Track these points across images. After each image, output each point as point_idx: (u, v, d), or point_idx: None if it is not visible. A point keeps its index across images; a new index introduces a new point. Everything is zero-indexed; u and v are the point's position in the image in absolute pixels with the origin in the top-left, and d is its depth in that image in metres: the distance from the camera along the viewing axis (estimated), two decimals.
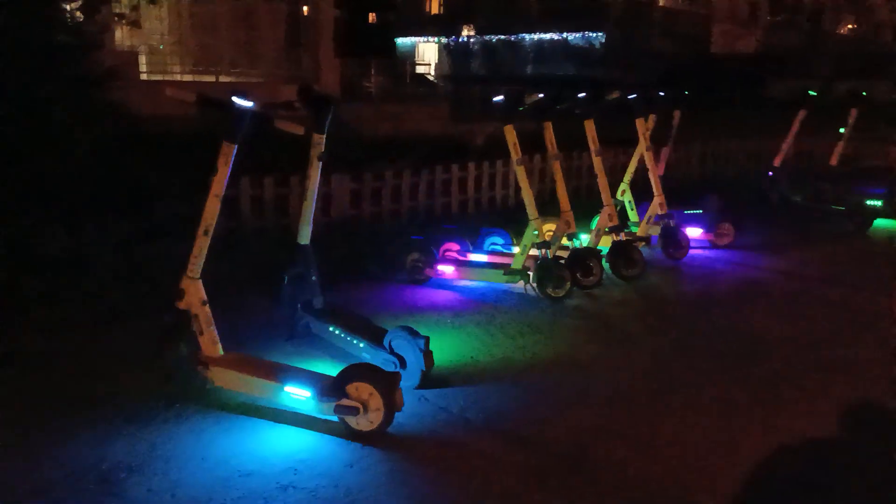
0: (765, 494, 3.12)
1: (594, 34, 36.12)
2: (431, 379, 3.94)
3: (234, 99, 3.37)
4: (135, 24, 8.90)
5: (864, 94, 9.61)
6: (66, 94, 5.29)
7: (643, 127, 6.59)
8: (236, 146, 3.47)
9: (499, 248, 6.38)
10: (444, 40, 42.89)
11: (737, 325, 5.11)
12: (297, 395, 3.46)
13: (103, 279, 4.62)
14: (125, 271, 4.73)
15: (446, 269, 5.78)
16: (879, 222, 8.49)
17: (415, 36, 44.35)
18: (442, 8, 44.50)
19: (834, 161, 9.24)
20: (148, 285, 4.65)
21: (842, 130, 9.05)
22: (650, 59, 32.53)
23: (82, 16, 6.64)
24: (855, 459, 3.41)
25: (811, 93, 9.11)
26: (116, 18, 9.00)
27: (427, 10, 45.21)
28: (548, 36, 38.15)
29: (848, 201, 8.84)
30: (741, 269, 6.56)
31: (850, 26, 53.27)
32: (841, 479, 3.23)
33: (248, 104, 3.39)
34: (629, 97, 6.44)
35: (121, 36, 14.16)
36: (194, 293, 3.58)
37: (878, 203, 8.83)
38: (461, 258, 6.02)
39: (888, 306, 5.62)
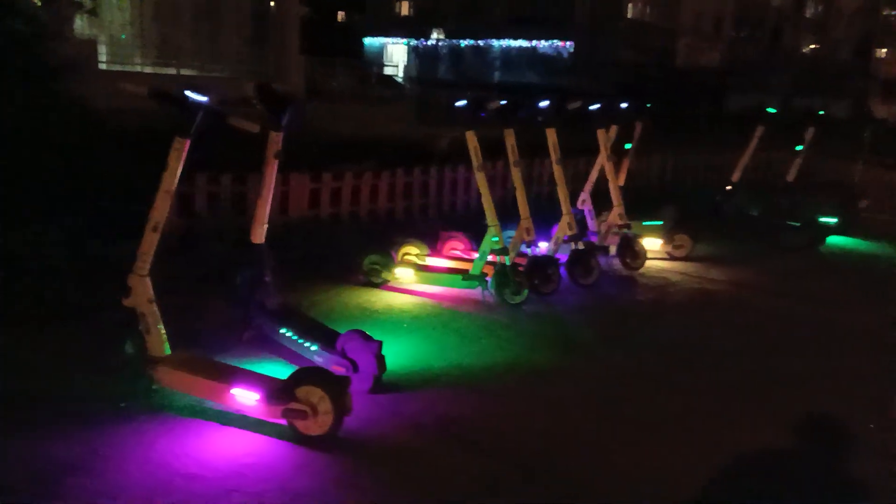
0: (710, 502, 3.16)
1: (562, 43, 36.46)
2: (384, 383, 3.90)
3: (188, 93, 3.30)
4: (92, 12, 8.66)
5: (821, 112, 9.84)
6: (19, 85, 5.13)
7: (604, 137, 6.64)
8: (189, 141, 3.39)
9: (458, 252, 6.38)
10: (412, 42, 42.86)
11: (688, 336, 5.17)
12: (246, 398, 3.40)
13: (50, 275, 4.47)
14: (74, 268, 4.58)
15: (405, 273, 5.75)
16: (832, 239, 8.69)
17: (384, 37, 44.24)
18: (412, 10, 44.47)
19: (791, 177, 9.44)
20: (96, 282, 4.52)
21: (799, 147, 9.24)
22: (615, 69, 32.92)
23: (39, 2, 6.45)
24: (801, 469, 3.47)
25: (770, 110, 9.30)
26: (73, 6, 8.75)
27: (397, 11, 45.14)
28: (516, 43, 38.38)
29: (803, 217, 9.05)
30: (696, 281, 6.66)
31: (811, 46, 54.68)
32: (787, 488, 3.29)
33: (202, 99, 3.32)
34: (590, 107, 6.49)
35: (80, 25, 13.82)
36: (142, 291, 3.49)
37: (832, 220, 9.06)
38: (420, 262, 5.99)
39: (836, 320, 5.75)
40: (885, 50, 60.23)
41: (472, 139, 5.45)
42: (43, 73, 5.57)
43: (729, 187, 9.10)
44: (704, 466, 3.38)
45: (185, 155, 3.41)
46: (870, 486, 3.35)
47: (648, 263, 6.82)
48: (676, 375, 4.42)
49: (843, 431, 3.91)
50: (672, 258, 7.30)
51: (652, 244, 7.18)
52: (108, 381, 3.58)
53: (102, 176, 5.44)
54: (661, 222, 7.56)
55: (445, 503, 2.98)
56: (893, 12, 60.44)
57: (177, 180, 3.45)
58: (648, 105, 7.64)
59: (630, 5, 38.91)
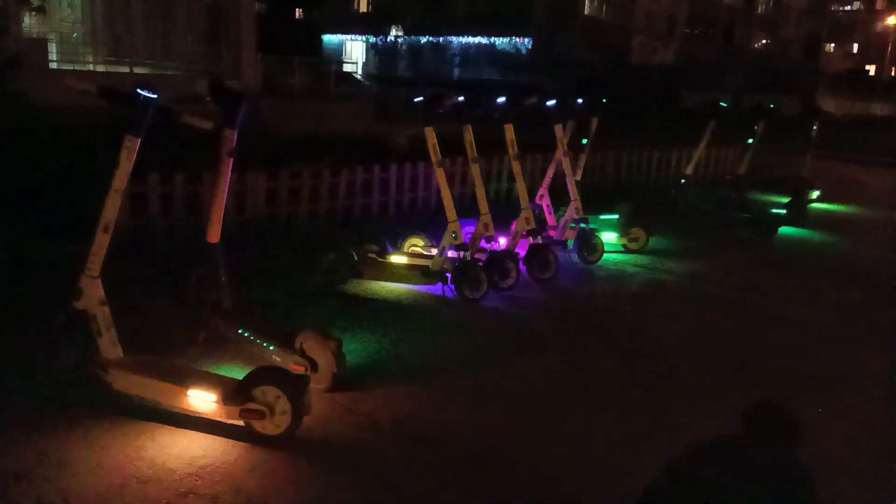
0: (661, 493, 3.22)
1: (520, 40, 36.67)
2: (343, 381, 3.88)
3: (137, 90, 3.24)
4: (40, 10, 8.45)
5: (771, 106, 10.08)
6: None
7: (561, 133, 6.71)
8: (140, 140, 3.33)
9: (419, 249, 6.38)
10: (371, 39, 42.67)
11: (643, 328, 5.26)
12: (202, 399, 3.36)
13: None
14: (18, 270, 4.46)
15: (364, 271, 5.73)
16: (783, 230, 8.92)
17: (342, 34, 43.96)
18: (370, 7, 44.27)
19: (742, 170, 9.66)
20: (42, 285, 4.41)
21: (750, 141, 9.46)
22: (572, 66, 33.25)
23: None
24: (743, 456, 3.55)
25: (722, 104, 9.49)
26: (20, 4, 8.52)
27: (356, 8, 44.89)
28: (475, 40, 38.48)
29: (753, 210, 9.26)
30: (650, 273, 6.77)
31: (762, 42, 55.91)
32: (727, 474, 3.37)
33: (152, 95, 3.26)
34: (547, 103, 6.54)
35: (29, 23, 13.46)
36: (93, 292, 3.41)
37: (782, 212, 9.30)
38: (380, 259, 5.98)
39: (787, 311, 5.90)
40: (832, 45, 61.97)
41: (430, 136, 5.46)
42: None
43: (682, 181, 9.28)
44: (652, 455, 3.45)
45: (135, 153, 3.35)
46: (819, 474, 3.44)
47: (605, 257, 6.91)
48: (631, 369, 4.50)
49: (792, 419, 4.01)
50: (628, 251, 7.41)
51: (608, 238, 7.28)
52: (56, 386, 3.50)
53: (49, 175, 5.31)
54: (616, 216, 7.66)
55: (403, 499, 2.98)
56: (841, 8, 62.21)
57: (128, 179, 3.38)
58: (604, 101, 7.73)
59: (587, 3, 39.30)
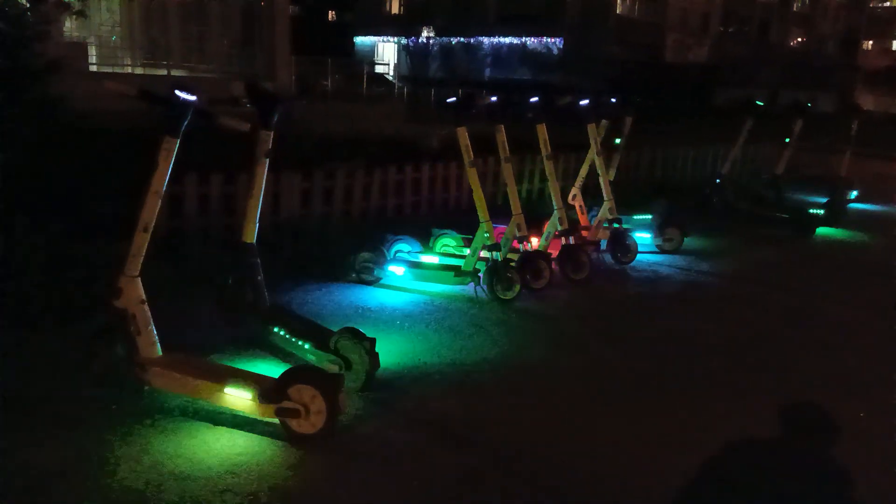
0: (696, 494, 3.17)
1: (552, 39, 36.50)
2: (377, 381, 3.90)
3: (176, 92, 3.29)
4: (81, 14, 8.61)
5: (808, 104, 9.89)
6: (2, 87, 5.09)
7: (594, 132, 6.66)
8: (178, 141, 3.38)
9: (451, 249, 6.38)
10: (403, 41, 42.81)
11: (679, 330, 5.19)
12: (238, 397, 3.40)
13: (35, 278, 4.44)
14: (58, 270, 4.56)
15: (397, 271, 5.75)
16: (821, 230, 8.75)
17: (374, 36, 44.20)
18: (402, 8, 44.43)
19: (779, 169, 9.49)
20: (81, 285, 4.50)
21: (787, 140, 9.29)
22: (605, 65, 32.99)
23: (27, 3, 6.41)
24: (785, 460, 3.49)
25: (758, 102, 9.34)
26: (62, 8, 8.70)
27: (387, 10, 45.10)
28: (506, 40, 38.40)
29: (791, 209, 9.10)
30: (685, 274, 6.68)
31: (798, 39, 54.93)
32: (764, 475, 3.31)
33: (190, 98, 3.31)
34: (580, 103, 6.50)
35: (69, 26, 13.77)
36: (132, 292, 3.47)
37: (820, 211, 9.12)
38: (412, 259, 6.00)
39: (825, 311, 5.79)
40: (871, 42, 60.61)
41: (463, 136, 5.45)
42: (26, 75, 5.53)
43: (718, 180, 9.15)
44: (690, 458, 3.39)
45: (174, 155, 3.40)
46: (855, 474, 3.37)
47: (639, 257, 6.84)
48: (666, 369, 4.44)
49: (832, 422, 3.93)
50: (662, 252, 7.33)
51: (642, 238, 7.20)
52: (96, 384, 3.57)
53: (89, 176, 5.42)
54: (650, 216, 7.58)
55: (435, 498, 2.98)
56: (880, 4, 60.82)
57: (166, 181, 3.44)
58: (637, 100, 7.66)
59: (619, 1, 38.99)
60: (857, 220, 9.56)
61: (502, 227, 5.81)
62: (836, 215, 9.21)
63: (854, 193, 11.05)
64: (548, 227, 6.17)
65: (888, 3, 61.80)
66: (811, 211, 9.06)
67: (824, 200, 9.50)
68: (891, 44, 60.85)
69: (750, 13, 49.12)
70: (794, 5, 53.82)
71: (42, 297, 4.38)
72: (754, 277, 6.72)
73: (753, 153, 12.31)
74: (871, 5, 60.56)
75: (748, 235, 8.34)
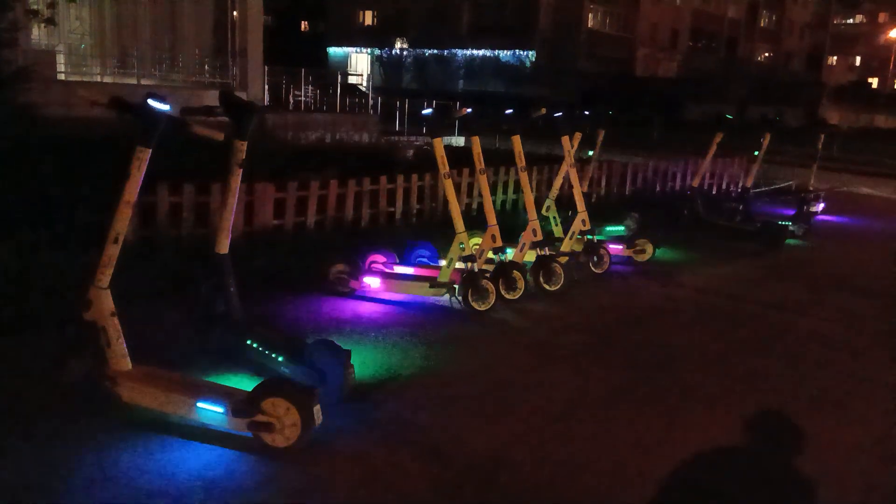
0: (666, 499, 3.19)
1: (524, 52, 36.83)
2: (353, 393, 3.87)
3: (150, 102, 3.25)
4: (49, 21, 8.49)
5: (777, 118, 10.09)
6: None
7: (568, 144, 6.71)
8: (150, 151, 3.34)
9: (425, 260, 6.37)
10: (377, 52, 42.88)
11: (651, 338, 5.23)
12: (210, 411, 3.34)
13: (2, 288, 4.35)
14: (27, 280, 4.46)
15: (372, 282, 5.72)
16: (789, 241, 8.89)
17: (347, 46, 44.19)
18: (375, 20, 44.52)
19: (748, 182, 9.65)
20: (51, 296, 4.41)
21: (756, 153, 9.45)
22: (576, 78, 33.35)
23: None
24: (755, 466, 3.53)
25: (728, 116, 9.50)
26: (30, 16, 8.58)
27: (360, 21, 45.15)
28: (479, 52, 38.65)
29: (760, 221, 9.24)
30: (656, 284, 6.74)
31: (765, 54, 56.07)
32: (739, 484, 3.35)
33: (164, 108, 3.27)
34: (555, 115, 6.55)
35: (38, 35, 13.55)
36: (103, 304, 3.41)
37: (788, 223, 9.27)
38: (387, 270, 5.97)
39: (795, 323, 5.87)
40: (835, 58, 62.10)
41: (438, 147, 5.46)
42: None
43: (688, 192, 9.27)
44: (665, 467, 3.42)
45: (146, 165, 3.35)
46: (827, 484, 3.41)
47: (611, 268, 6.89)
48: (639, 377, 4.47)
49: (803, 432, 3.98)
50: (634, 263, 7.39)
51: (614, 249, 7.26)
52: (65, 397, 3.49)
53: (58, 185, 5.32)
54: (622, 228, 7.65)
55: None
56: (844, 21, 62.40)
57: (138, 190, 3.39)
58: (610, 113, 7.75)
59: (590, 16, 39.46)
60: (824, 232, 9.73)
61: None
62: (803, 228, 9.37)
63: (822, 206, 11.28)
64: (523, 238, 6.19)
65: (851, 21, 63.46)
66: (780, 223, 9.21)
67: (792, 213, 9.67)
68: (854, 60, 62.43)
69: (718, 29, 50.07)
70: (762, 21, 54.97)
71: (10, 308, 4.28)
72: (725, 290, 6.80)
73: (723, 167, 12.51)
74: (834, 22, 62.11)
75: (718, 247, 8.44)
